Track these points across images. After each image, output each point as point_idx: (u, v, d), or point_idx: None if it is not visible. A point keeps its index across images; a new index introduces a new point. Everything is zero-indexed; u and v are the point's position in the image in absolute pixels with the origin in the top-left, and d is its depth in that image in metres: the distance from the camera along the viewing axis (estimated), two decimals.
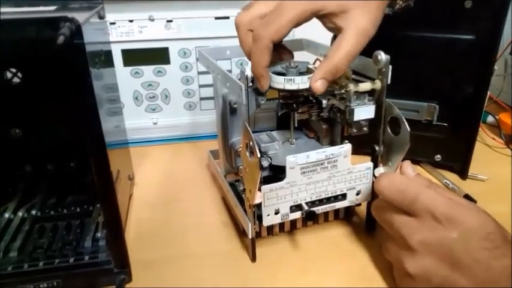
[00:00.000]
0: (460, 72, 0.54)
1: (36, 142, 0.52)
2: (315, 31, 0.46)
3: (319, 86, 0.38)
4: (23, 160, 0.53)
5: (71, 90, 0.34)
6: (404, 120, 0.40)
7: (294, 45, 0.53)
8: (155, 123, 0.70)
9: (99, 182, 0.36)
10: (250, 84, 0.45)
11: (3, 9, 0.46)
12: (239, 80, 0.40)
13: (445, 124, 0.57)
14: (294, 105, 0.46)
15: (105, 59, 0.48)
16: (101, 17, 0.46)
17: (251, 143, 0.38)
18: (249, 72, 0.39)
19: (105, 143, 0.36)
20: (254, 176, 0.38)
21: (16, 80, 0.50)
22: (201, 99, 0.71)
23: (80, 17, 0.38)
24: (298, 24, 0.38)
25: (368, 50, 0.40)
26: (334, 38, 0.54)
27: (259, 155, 0.36)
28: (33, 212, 0.49)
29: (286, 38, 0.39)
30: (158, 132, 0.71)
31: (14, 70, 0.49)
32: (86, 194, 0.51)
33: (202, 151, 0.65)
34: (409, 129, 0.39)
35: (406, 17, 0.47)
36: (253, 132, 0.70)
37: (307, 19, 0.38)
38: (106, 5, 0.50)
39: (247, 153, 0.39)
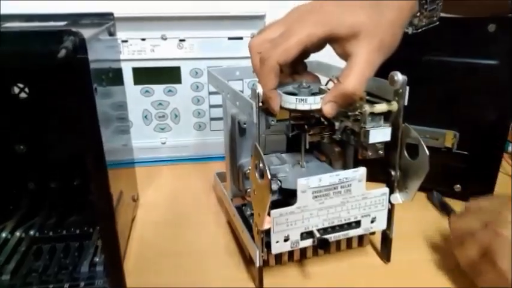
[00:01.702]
0: (482, 98, 0.51)
1: (40, 159, 0.51)
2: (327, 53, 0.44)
3: (328, 109, 0.37)
4: (26, 177, 0.52)
5: (73, 106, 0.32)
6: (423, 144, 0.38)
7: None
8: (164, 143, 0.69)
9: (98, 205, 0.34)
10: (260, 104, 0.43)
11: (15, 24, 0.46)
12: (250, 98, 0.39)
13: (466, 152, 0.54)
14: (306, 127, 0.44)
15: (114, 76, 0.47)
16: (111, 34, 0.45)
17: (261, 164, 0.36)
18: (260, 90, 0.37)
19: (107, 163, 0.34)
20: (264, 199, 0.36)
21: (23, 95, 0.49)
22: (211, 119, 0.70)
23: (87, 32, 0.38)
24: (307, 48, 0.37)
25: (384, 72, 0.39)
26: None
27: (269, 176, 0.34)
28: (32, 233, 0.47)
29: None
30: (166, 152, 0.70)
31: (21, 85, 0.48)
32: (87, 214, 0.49)
33: (210, 173, 0.63)
34: (428, 153, 0.37)
35: (425, 39, 0.46)
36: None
37: (315, 44, 0.37)
38: (119, 23, 0.49)
39: (257, 175, 0.37)
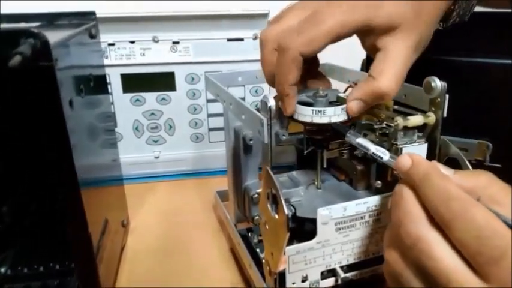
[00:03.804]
0: None
1: (14, 180, 0.45)
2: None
3: (354, 106, 0.32)
4: None
5: (39, 122, 0.26)
6: (467, 162, 0.33)
7: None
8: (157, 157, 0.63)
9: (73, 240, 0.28)
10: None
11: None
12: (258, 110, 0.32)
13: (499, 165, 0.48)
14: (323, 142, 0.37)
15: (96, 84, 0.40)
16: (92, 36, 0.39)
17: (276, 194, 0.29)
18: (273, 103, 0.31)
19: (87, 181, 0.29)
20: (279, 238, 0.30)
21: None
22: (210, 130, 0.64)
23: (61, 34, 0.31)
24: (337, 39, 0.31)
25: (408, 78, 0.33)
26: (367, 61, 0.47)
27: (286, 211, 0.28)
28: (3, 270, 0.40)
29: None
30: (160, 167, 0.64)
31: None
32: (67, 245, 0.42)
33: (210, 190, 0.58)
34: None
35: (454, 39, 0.40)
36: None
37: (347, 34, 0.31)
38: (104, 24, 0.43)
39: (269, 207, 0.31)
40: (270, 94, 0.32)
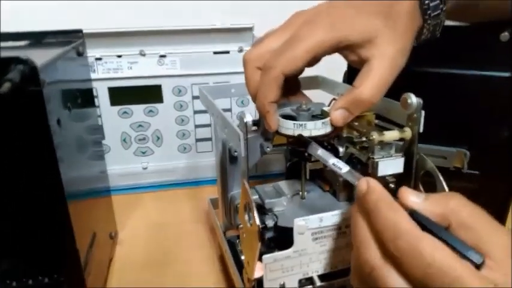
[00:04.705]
0: (494, 113, 0.47)
1: (4, 194, 0.45)
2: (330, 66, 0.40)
3: (338, 116, 0.34)
4: None
5: (27, 141, 0.27)
6: (441, 178, 0.33)
7: (308, 83, 0.47)
8: (145, 168, 0.64)
9: (62, 260, 0.29)
10: (255, 128, 0.38)
11: None
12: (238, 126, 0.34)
13: (477, 172, 0.50)
14: (306, 154, 0.38)
15: (84, 98, 0.41)
16: (80, 54, 0.40)
17: (250, 205, 0.30)
18: (249, 119, 0.32)
19: (73, 194, 0.29)
20: (253, 246, 0.31)
21: None
22: (197, 140, 0.65)
23: (50, 53, 0.32)
24: (315, 57, 0.32)
25: (388, 90, 0.34)
26: (350, 72, 0.48)
27: (258, 223, 0.29)
28: None
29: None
30: (149, 177, 0.64)
31: None
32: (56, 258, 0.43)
33: (200, 199, 0.59)
34: (447, 189, 0.32)
35: (431, 51, 0.41)
36: (258, 177, 0.65)
37: (325, 52, 0.33)
38: (91, 40, 0.44)
39: (246, 217, 0.32)
40: (247, 112, 0.33)
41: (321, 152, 0.32)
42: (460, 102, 0.48)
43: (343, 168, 0.31)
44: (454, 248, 0.23)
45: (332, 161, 0.31)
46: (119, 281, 0.45)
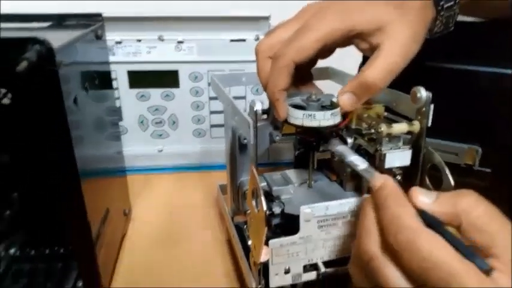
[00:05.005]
0: (507, 110, 0.46)
1: (25, 167, 0.48)
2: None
3: (345, 99, 0.34)
4: (10, 187, 0.48)
5: (44, 118, 0.28)
6: (448, 172, 0.33)
7: (319, 74, 0.47)
8: (160, 151, 0.65)
9: (72, 227, 0.30)
10: (265, 116, 0.39)
11: None
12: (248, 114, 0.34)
13: (488, 170, 0.50)
14: (314, 144, 0.39)
15: (101, 80, 0.42)
16: (98, 37, 0.41)
17: (257, 191, 0.31)
18: (259, 107, 0.32)
19: (87, 172, 0.31)
20: (260, 231, 0.32)
21: (6, 101, 0.45)
22: (212, 126, 0.65)
23: (69, 34, 0.33)
24: (326, 45, 0.33)
25: (401, 83, 0.35)
26: (364, 61, 0.48)
27: (265, 208, 0.30)
28: (12, 251, 0.43)
29: None
30: (164, 160, 0.66)
31: (4, 90, 0.45)
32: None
33: (211, 183, 0.59)
34: (453, 184, 0.32)
35: (445, 47, 0.41)
36: (269, 164, 0.66)
37: (336, 41, 0.33)
38: (112, 23, 0.45)
39: (253, 203, 0.33)
40: (258, 100, 0.34)
41: (341, 148, 0.33)
42: (474, 99, 0.47)
43: (361, 165, 0.31)
44: (462, 253, 0.23)
45: (351, 157, 0.32)
46: (131, 255, 0.47)
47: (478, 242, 0.24)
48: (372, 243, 0.26)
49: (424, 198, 0.26)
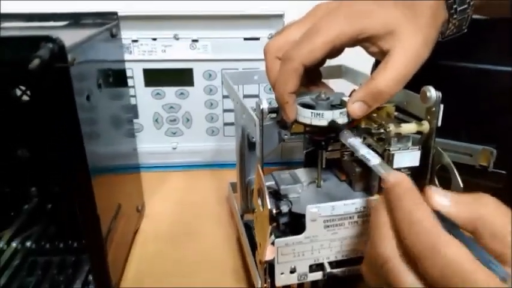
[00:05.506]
0: None
1: (43, 163, 0.49)
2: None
3: (356, 108, 0.34)
4: (28, 182, 0.50)
5: (57, 115, 0.29)
6: (457, 173, 0.33)
7: (331, 72, 0.47)
8: (175, 148, 0.66)
9: (82, 222, 0.31)
10: (274, 115, 0.39)
11: (14, 24, 0.44)
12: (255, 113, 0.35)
13: (504, 172, 0.48)
14: (323, 143, 0.39)
15: (116, 78, 0.43)
16: (113, 35, 0.42)
17: (262, 189, 0.31)
18: (265, 106, 0.33)
19: (99, 169, 0.32)
20: (264, 230, 0.32)
21: (25, 98, 0.47)
22: (225, 124, 0.66)
23: (85, 33, 0.34)
24: (335, 48, 0.33)
25: (412, 82, 0.34)
26: (378, 62, 0.48)
27: (269, 207, 0.30)
28: (28, 244, 0.45)
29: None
30: (177, 157, 0.67)
31: (23, 88, 0.46)
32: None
33: (223, 181, 0.60)
34: (461, 185, 0.32)
35: (459, 44, 0.40)
36: (281, 163, 0.66)
37: (345, 44, 0.33)
38: (128, 22, 0.46)
39: (259, 201, 0.33)
40: (264, 98, 0.34)
41: (352, 141, 0.33)
42: (489, 99, 0.46)
43: (372, 160, 0.31)
44: (481, 260, 0.22)
45: (363, 151, 0.32)
46: (142, 250, 0.48)
47: (493, 249, 0.23)
48: (385, 246, 0.25)
49: (440, 198, 0.25)
